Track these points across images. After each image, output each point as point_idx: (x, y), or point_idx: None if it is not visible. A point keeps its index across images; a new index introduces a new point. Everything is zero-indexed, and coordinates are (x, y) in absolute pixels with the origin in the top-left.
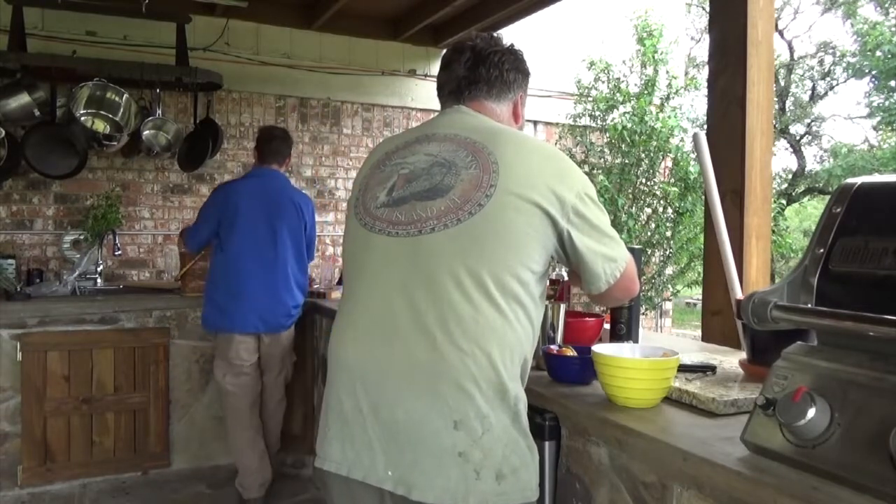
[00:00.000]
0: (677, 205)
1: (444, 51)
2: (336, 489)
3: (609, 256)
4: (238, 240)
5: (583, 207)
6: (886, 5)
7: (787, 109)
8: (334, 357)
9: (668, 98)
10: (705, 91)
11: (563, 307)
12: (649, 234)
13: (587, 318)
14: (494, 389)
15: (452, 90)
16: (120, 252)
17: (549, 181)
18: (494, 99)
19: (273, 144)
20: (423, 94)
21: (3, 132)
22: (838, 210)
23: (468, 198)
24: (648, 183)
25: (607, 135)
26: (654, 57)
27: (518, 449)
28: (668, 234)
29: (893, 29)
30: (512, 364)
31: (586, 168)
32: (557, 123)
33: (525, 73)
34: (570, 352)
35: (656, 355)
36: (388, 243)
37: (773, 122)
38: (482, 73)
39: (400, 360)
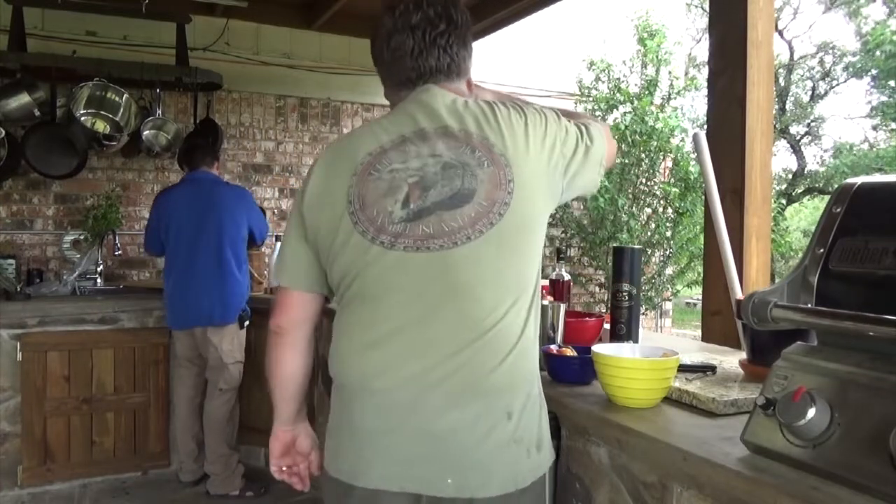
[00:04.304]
0: (677, 205)
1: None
2: (364, 501)
3: (596, 160)
4: (169, 244)
5: (566, 149)
6: (893, 3)
7: (787, 109)
8: (358, 382)
9: (669, 98)
10: (705, 91)
11: (563, 307)
12: (649, 234)
13: (587, 318)
14: (532, 374)
15: (402, 81)
16: (120, 252)
17: (544, 148)
18: (452, 81)
19: (197, 154)
20: None
21: (3, 132)
22: (838, 210)
23: (494, 199)
24: (648, 183)
25: None
26: (657, 57)
27: (544, 415)
28: (668, 234)
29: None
30: (538, 348)
31: None
32: None
33: (470, 41)
34: (570, 352)
35: (656, 355)
36: (414, 260)
37: (773, 122)
38: (432, 63)
39: (445, 375)
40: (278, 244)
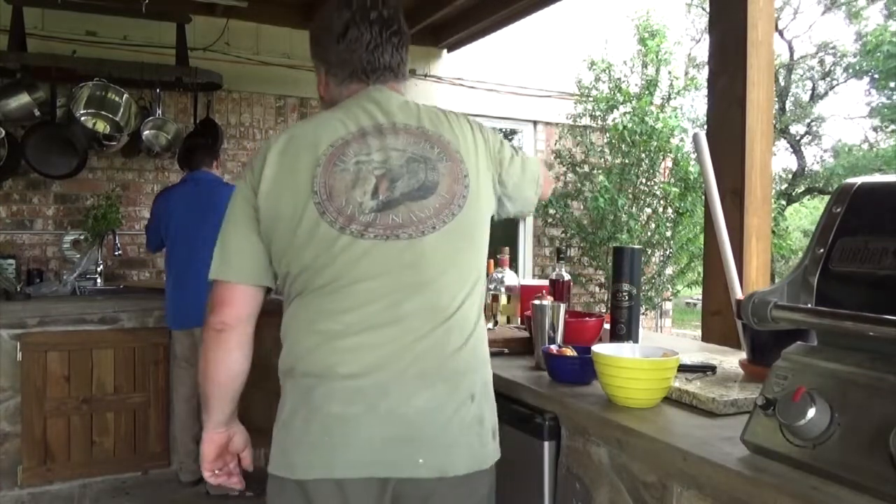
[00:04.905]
0: (677, 205)
1: (331, 10)
2: (322, 495)
3: (533, 178)
4: (168, 244)
5: (503, 158)
6: (894, 8)
7: (787, 109)
8: (323, 370)
9: (669, 98)
10: (705, 91)
11: (563, 307)
12: (649, 234)
13: (587, 318)
14: (487, 359)
15: (353, 73)
16: (120, 252)
17: (486, 152)
18: (398, 83)
19: (197, 154)
20: (423, 94)
21: (3, 132)
22: (838, 210)
23: (454, 191)
24: (648, 183)
25: (607, 135)
26: (657, 57)
27: (495, 405)
28: (668, 234)
29: (893, 29)
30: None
31: (586, 168)
32: (557, 123)
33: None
34: (570, 352)
35: (656, 355)
36: (384, 248)
37: (773, 122)
38: (386, 59)
39: (414, 358)
40: None
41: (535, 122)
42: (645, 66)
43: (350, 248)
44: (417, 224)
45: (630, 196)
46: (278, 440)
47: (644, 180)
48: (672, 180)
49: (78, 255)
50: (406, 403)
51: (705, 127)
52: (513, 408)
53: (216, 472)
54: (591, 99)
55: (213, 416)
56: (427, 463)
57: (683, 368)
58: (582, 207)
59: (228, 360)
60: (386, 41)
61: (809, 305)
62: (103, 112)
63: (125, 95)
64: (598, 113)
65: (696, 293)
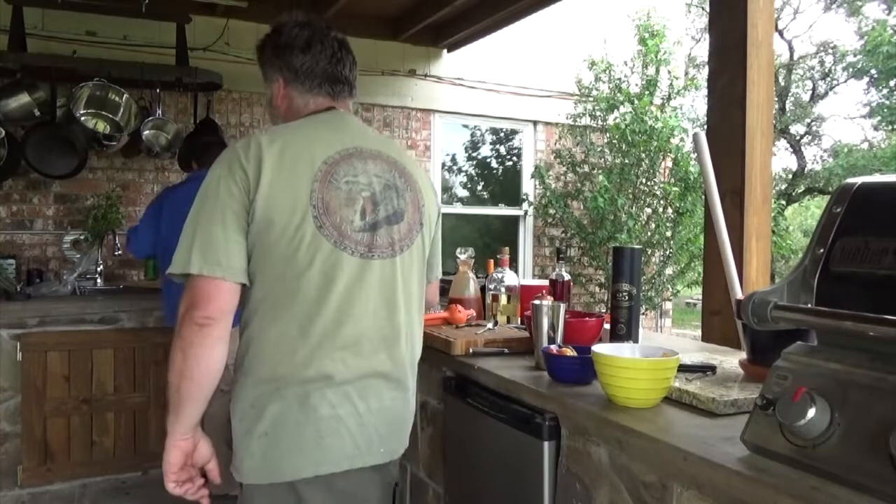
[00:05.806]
0: (677, 205)
1: (298, 25)
2: (312, 491)
3: (439, 267)
4: (172, 243)
5: (440, 217)
6: (892, 3)
7: (787, 109)
8: (318, 376)
9: (669, 98)
10: (705, 91)
11: (563, 307)
12: (649, 234)
13: (587, 318)
14: None
15: (317, 84)
16: (120, 252)
17: (433, 193)
18: (351, 99)
19: (210, 152)
20: (423, 94)
21: (3, 132)
22: (838, 210)
23: (414, 219)
24: (648, 183)
25: (607, 135)
26: (657, 57)
27: None
28: (668, 234)
29: (893, 28)
30: None
31: (586, 168)
32: (557, 123)
33: None
34: (570, 352)
35: (656, 355)
36: (370, 266)
37: (773, 122)
38: (346, 73)
39: (388, 366)
40: None
41: (535, 122)
42: (645, 66)
43: (341, 263)
44: (392, 245)
45: (630, 196)
46: (257, 449)
47: (644, 180)
48: (672, 180)
49: (78, 255)
50: (378, 402)
51: (705, 127)
52: (513, 408)
53: (181, 482)
54: (591, 99)
55: (185, 421)
56: (385, 452)
57: (683, 368)
58: (582, 207)
59: (211, 354)
60: (345, 56)
61: (809, 305)
62: (103, 112)
63: (125, 95)
64: (598, 113)
65: (696, 293)
